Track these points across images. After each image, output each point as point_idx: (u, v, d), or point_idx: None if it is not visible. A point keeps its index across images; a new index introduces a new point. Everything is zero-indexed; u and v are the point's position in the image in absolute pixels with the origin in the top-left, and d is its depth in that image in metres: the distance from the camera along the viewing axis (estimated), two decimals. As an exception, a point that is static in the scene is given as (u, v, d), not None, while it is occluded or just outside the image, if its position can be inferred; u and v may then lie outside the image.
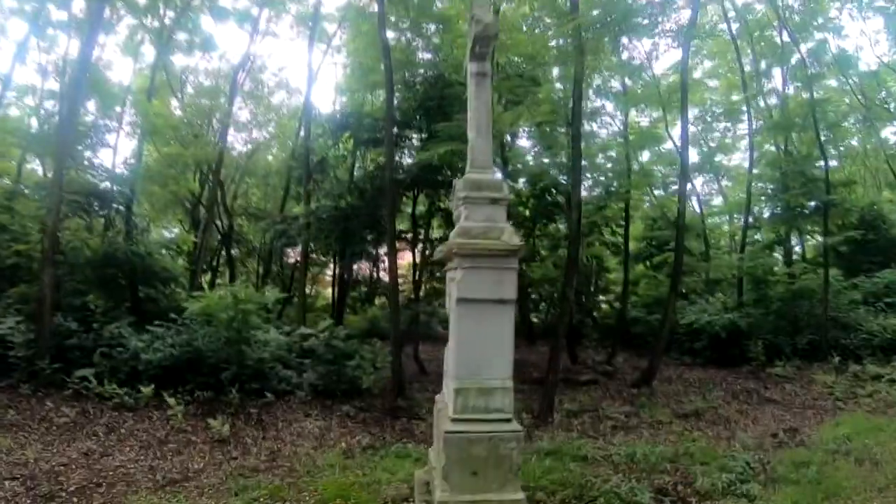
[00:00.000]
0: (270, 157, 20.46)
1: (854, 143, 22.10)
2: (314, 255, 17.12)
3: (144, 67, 17.07)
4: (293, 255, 19.71)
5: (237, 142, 19.37)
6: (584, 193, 14.29)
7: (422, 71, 13.11)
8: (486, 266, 4.67)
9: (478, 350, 4.68)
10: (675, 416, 10.28)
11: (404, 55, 12.76)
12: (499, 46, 10.95)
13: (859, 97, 18.74)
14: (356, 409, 9.48)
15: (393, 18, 12.59)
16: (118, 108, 14.33)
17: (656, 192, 19.80)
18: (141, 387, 8.59)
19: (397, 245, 12.53)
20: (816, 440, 8.46)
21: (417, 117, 13.14)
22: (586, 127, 14.68)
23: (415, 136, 13.84)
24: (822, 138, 16.13)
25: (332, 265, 18.35)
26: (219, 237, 18.05)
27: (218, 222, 17.66)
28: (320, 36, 17.11)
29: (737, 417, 10.30)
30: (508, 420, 4.65)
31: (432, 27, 13.08)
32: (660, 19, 12.65)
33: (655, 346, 13.69)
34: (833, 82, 19.22)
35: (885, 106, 20.29)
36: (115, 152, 14.60)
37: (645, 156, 18.98)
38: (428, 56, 13.34)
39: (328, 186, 14.83)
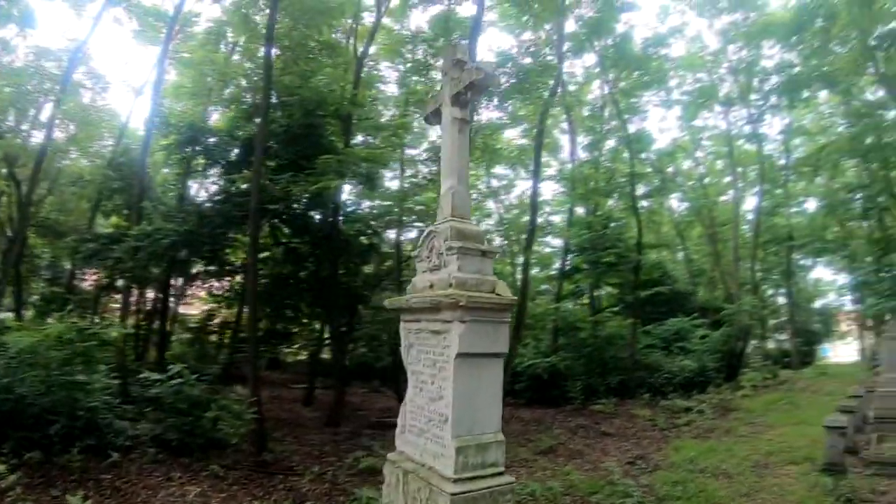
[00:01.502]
0: (85, 162, 17.41)
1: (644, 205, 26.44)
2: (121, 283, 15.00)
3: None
4: (88, 278, 16.95)
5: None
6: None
7: (290, 97, 12.51)
8: (486, 319, 4.68)
9: (474, 405, 4.64)
10: (534, 453, 11.05)
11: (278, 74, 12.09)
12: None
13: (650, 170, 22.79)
14: (223, 468, 8.38)
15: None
16: None
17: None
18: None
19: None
20: (669, 463, 9.89)
21: (275, 143, 12.51)
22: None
23: (270, 162, 13.11)
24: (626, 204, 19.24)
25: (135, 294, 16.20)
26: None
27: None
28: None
29: (587, 451, 11.45)
30: (502, 473, 4.67)
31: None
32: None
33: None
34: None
35: (673, 180, 24.87)
36: None
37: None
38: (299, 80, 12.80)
39: (163, 207, 13.22)
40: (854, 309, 34.53)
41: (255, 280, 9.98)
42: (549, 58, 16.90)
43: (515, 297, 4.95)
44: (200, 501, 7.12)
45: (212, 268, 13.86)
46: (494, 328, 4.77)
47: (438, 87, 5.78)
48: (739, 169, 27.92)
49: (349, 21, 14.73)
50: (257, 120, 12.81)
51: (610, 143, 23.01)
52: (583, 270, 20.94)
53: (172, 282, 15.47)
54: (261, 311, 13.96)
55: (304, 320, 15.71)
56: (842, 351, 40.15)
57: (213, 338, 19.07)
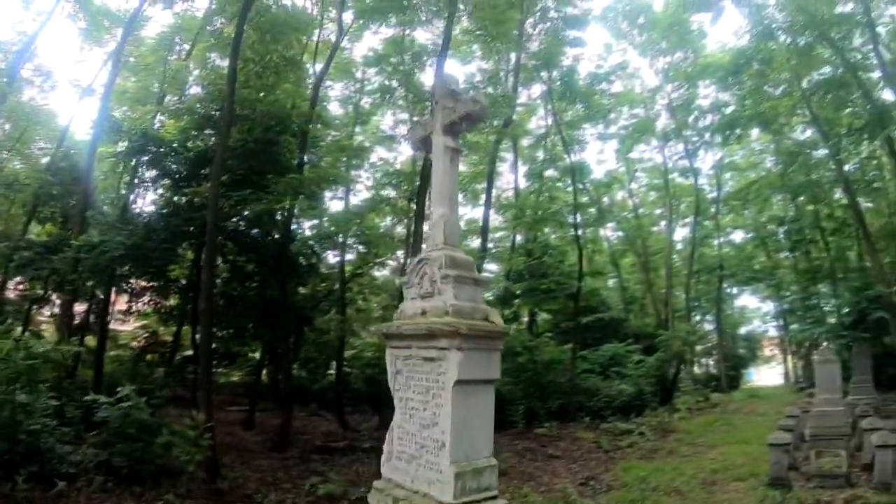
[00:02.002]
0: (18, 164, 16.31)
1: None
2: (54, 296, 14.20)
3: None
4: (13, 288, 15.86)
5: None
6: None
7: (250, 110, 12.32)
8: (481, 347, 4.81)
9: (471, 432, 4.73)
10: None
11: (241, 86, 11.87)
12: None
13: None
14: (179, 497, 8.03)
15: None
16: None
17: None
18: None
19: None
20: (621, 483, 10.26)
21: (230, 158, 12.27)
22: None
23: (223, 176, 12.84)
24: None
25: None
26: None
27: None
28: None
29: (538, 473, 11.69)
30: (496, 497, 4.77)
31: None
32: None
33: None
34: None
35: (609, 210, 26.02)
36: None
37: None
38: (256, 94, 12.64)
39: (107, 217, 12.65)
40: (778, 335, 36.96)
41: (210, 299, 9.71)
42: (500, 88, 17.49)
43: (508, 326, 5.10)
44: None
45: (155, 283, 13.28)
46: (489, 355, 4.90)
47: (428, 115, 5.92)
48: (673, 201, 29.45)
49: (312, 38, 14.72)
50: (208, 131, 12.61)
51: (549, 173, 23.82)
52: (520, 296, 21.45)
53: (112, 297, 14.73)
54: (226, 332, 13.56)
55: (248, 341, 15.30)
56: (766, 374, 42.67)
57: (150, 357, 18.20)
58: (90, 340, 14.30)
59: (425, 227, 11.62)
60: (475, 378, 4.78)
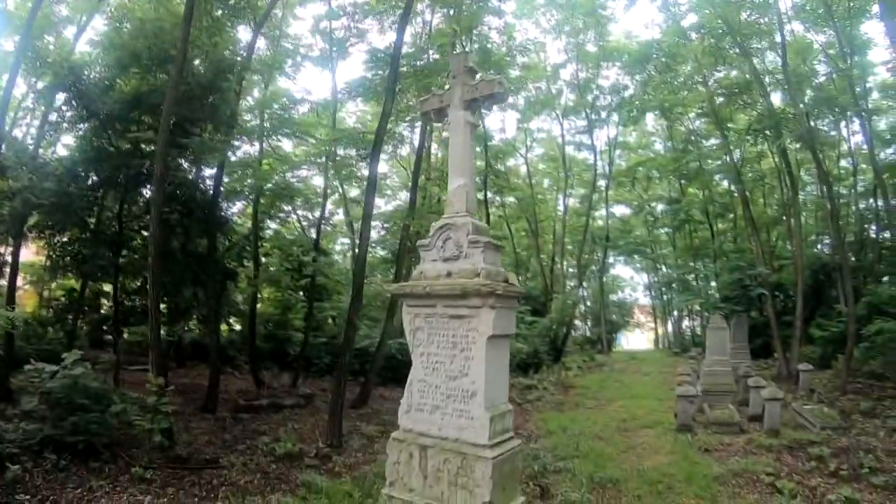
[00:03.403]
0: None
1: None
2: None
3: None
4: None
5: None
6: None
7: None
8: (506, 306, 5.44)
9: (496, 380, 5.38)
10: None
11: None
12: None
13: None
14: (144, 469, 7.61)
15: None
16: None
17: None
18: None
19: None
20: (546, 431, 11.58)
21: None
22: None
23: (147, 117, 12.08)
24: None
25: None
26: None
27: None
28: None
29: None
30: (513, 437, 5.50)
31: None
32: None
33: (370, 369, 15.35)
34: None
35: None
36: None
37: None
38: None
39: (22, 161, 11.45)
40: (651, 303, 41.17)
41: (158, 253, 9.32)
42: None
43: (524, 287, 5.75)
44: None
45: (78, 236, 12.25)
46: (510, 313, 5.54)
47: (447, 88, 6.27)
48: (568, 174, 31.46)
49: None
50: (135, 70, 11.79)
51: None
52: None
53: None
54: (132, 286, 12.99)
55: (175, 297, 14.67)
56: (633, 339, 47.40)
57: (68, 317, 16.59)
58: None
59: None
60: (502, 333, 5.41)
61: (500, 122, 38.91)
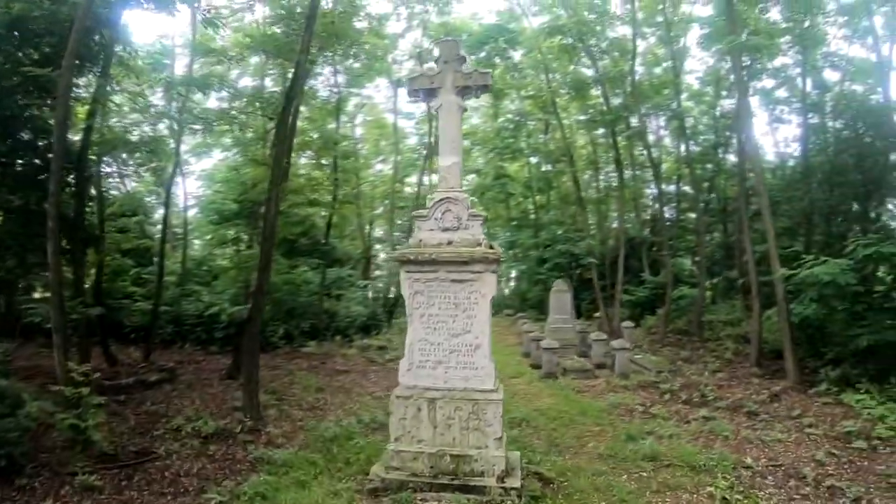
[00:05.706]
0: None
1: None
2: None
3: None
4: None
5: None
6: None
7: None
8: (497, 270, 6.46)
9: (489, 334, 6.45)
10: (315, 393, 11.70)
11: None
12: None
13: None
14: (87, 475, 6.52)
15: None
16: None
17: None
18: None
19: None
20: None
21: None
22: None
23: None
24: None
25: None
26: None
27: None
28: None
29: (351, 385, 12.57)
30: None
31: None
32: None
33: (246, 340, 14.85)
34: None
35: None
36: None
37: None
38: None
39: None
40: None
41: (58, 212, 8.34)
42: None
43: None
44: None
45: None
46: (495, 276, 6.55)
47: (437, 71, 6.91)
48: (396, 142, 32.54)
49: None
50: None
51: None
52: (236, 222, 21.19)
53: None
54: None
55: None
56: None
57: None
58: None
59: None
60: (495, 293, 6.45)
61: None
